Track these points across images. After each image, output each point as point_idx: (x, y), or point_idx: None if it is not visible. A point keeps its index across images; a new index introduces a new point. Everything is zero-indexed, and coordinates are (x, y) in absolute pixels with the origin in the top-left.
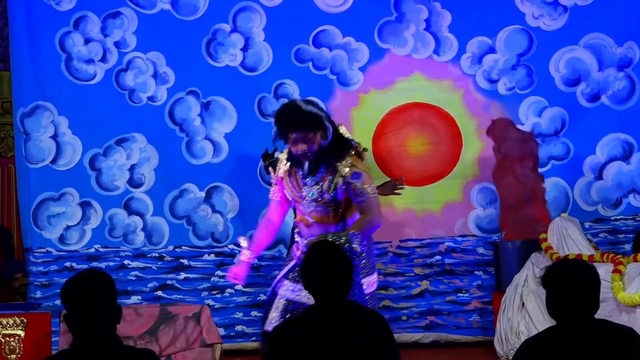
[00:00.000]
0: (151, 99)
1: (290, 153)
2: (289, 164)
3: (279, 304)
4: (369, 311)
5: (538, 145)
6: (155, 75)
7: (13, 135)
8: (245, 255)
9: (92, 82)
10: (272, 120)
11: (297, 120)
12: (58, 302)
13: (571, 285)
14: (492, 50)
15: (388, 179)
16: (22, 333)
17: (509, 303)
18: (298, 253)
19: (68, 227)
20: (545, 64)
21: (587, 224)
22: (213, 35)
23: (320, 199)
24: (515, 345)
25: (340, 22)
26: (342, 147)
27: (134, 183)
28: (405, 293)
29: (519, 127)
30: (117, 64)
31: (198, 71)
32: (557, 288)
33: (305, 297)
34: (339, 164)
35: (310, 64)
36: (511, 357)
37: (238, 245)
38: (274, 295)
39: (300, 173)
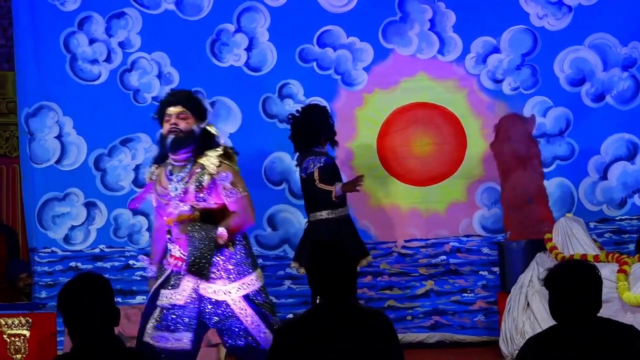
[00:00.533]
0: (156, 99)
1: (158, 153)
2: (154, 166)
3: (154, 313)
4: (373, 311)
5: (538, 144)
6: (159, 76)
7: (17, 135)
8: (153, 271)
9: (96, 83)
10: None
11: (177, 96)
12: None
13: (574, 286)
14: (496, 50)
15: (391, 178)
16: (27, 333)
17: (514, 303)
18: (172, 261)
19: (73, 227)
20: (550, 64)
21: (592, 224)
22: (217, 35)
23: (184, 196)
24: (520, 345)
25: (344, 22)
26: (209, 142)
27: (139, 183)
28: (410, 293)
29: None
30: (122, 64)
31: (202, 71)
32: (559, 289)
33: (175, 298)
34: (205, 162)
35: (314, 64)
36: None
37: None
38: (152, 307)
39: (168, 168)
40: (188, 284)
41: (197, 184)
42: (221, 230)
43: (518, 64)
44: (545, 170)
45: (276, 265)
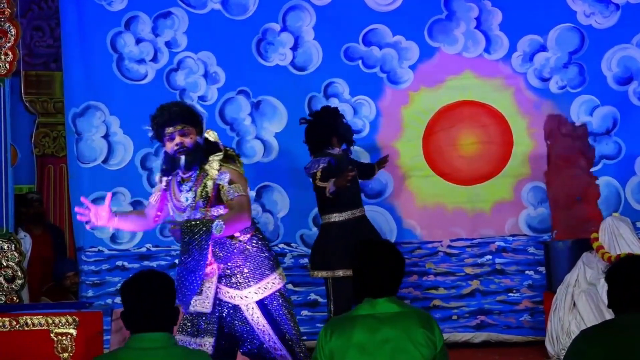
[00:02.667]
0: (202, 98)
1: (164, 163)
2: (164, 177)
3: (183, 320)
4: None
5: (590, 143)
6: (205, 75)
7: (65, 135)
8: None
9: (143, 82)
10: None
11: (172, 113)
12: (109, 300)
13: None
14: (543, 48)
15: (437, 177)
16: (74, 332)
17: (560, 303)
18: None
19: None
20: (597, 63)
21: (638, 224)
22: (263, 34)
23: (194, 204)
24: (567, 345)
25: (390, 20)
26: (211, 149)
27: None
28: (455, 293)
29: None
30: (168, 63)
31: (248, 71)
32: (620, 282)
33: (200, 306)
34: (207, 167)
35: (360, 62)
36: (562, 357)
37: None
38: None
39: (178, 179)
40: (210, 289)
41: (203, 190)
42: (218, 223)
43: (565, 63)
44: (592, 169)
45: None
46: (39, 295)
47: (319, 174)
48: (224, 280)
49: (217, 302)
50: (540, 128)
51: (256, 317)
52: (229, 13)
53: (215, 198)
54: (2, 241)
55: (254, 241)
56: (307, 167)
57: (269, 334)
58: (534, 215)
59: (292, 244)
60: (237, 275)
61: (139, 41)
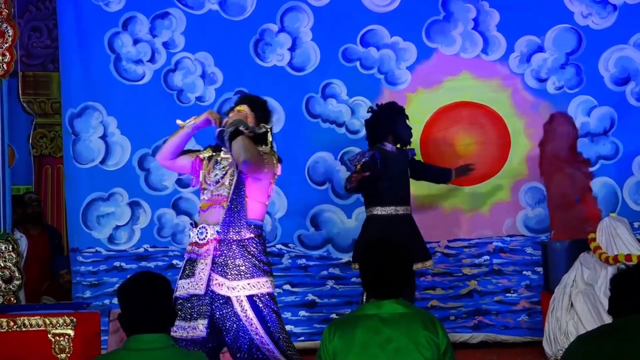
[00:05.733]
0: (199, 99)
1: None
2: (209, 148)
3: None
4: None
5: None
6: (203, 76)
7: (62, 135)
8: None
9: (140, 83)
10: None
11: (245, 97)
12: (107, 301)
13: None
14: (540, 49)
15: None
16: (71, 332)
17: (557, 303)
18: (189, 248)
19: (117, 227)
20: (595, 63)
21: (636, 224)
22: (261, 35)
23: (220, 180)
24: (564, 346)
25: (387, 21)
26: (260, 142)
27: (182, 183)
28: (453, 293)
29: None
30: (166, 64)
31: (246, 71)
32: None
33: (193, 288)
34: None
35: (357, 63)
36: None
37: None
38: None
39: (216, 159)
40: (203, 271)
41: (234, 172)
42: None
43: (562, 63)
44: (589, 169)
45: (319, 266)
46: (39, 296)
47: (359, 166)
48: (217, 268)
49: (210, 292)
50: (538, 128)
51: (246, 311)
52: (226, 14)
53: (244, 182)
54: (0, 242)
55: (256, 244)
56: (351, 158)
57: (257, 330)
58: (532, 215)
59: (289, 245)
60: (230, 266)
61: (136, 42)
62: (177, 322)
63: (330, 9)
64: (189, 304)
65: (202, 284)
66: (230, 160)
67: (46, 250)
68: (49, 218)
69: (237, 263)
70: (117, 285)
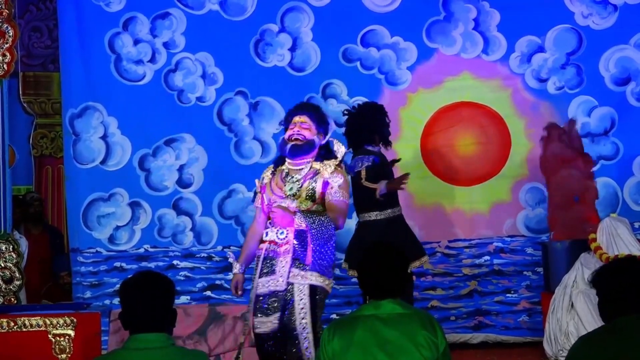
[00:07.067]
0: (200, 99)
1: (278, 149)
2: (271, 167)
3: (256, 304)
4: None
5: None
6: (204, 76)
7: (63, 135)
8: (237, 269)
9: (141, 83)
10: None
11: (306, 105)
12: (107, 301)
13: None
14: (541, 49)
15: (435, 178)
16: (72, 333)
17: (558, 303)
18: (265, 246)
19: (118, 227)
20: (595, 63)
21: (636, 224)
22: (261, 35)
23: (297, 194)
24: (565, 346)
25: (388, 21)
26: (327, 154)
27: (183, 183)
28: (453, 293)
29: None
30: (166, 64)
31: (246, 71)
32: (606, 289)
33: (274, 285)
34: (321, 167)
35: (358, 63)
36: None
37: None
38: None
39: (282, 174)
40: (284, 269)
41: (310, 185)
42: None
43: (563, 64)
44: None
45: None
46: (39, 298)
47: (363, 172)
48: (295, 262)
49: (288, 284)
50: (538, 129)
51: (304, 297)
52: (227, 14)
53: (321, 197)
54: (0, 242)
55: (331, 245)
56: (351, 165)
57: (305, 316)
58: (532, 216)
59: None
60: (310, 262)
61: (137, 42)
62: (258, 319)
63: (330, 9)
64: (270, 300)
65: (282, 280)
66: (304, 172)
67: (47, 251)
68: (49, 218)
69: (317, 261)
70: (119, 284)
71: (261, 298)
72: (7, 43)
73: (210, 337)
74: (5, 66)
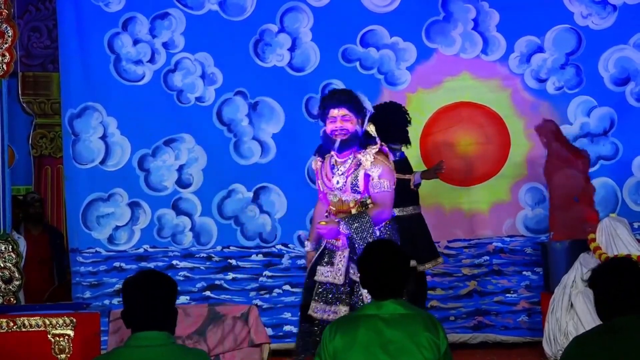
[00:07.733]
0: (199, 99)
1: (319, 146)
2: (318, 157)
3: (316, 289)
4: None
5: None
6: (203, 76)
7: (62, 136)
8: (309, 247)
9: (140, 83)
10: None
11: (341, 98)
12: (107, 302)
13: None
14: (540, 49)
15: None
16: (71, 333)
17: (557, 303)
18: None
19: (117, 228)
20: (594, 64)
21: (636, 224)
22: (260, 35)
23: (344, 187)
24: (564, 346)
25: (387, 21)
26: (368, 141)
27: (182, 183)
28: (453, 293)
29: (565, 127)
30: (166, 64)
31: (246, 72)
32: (603, 289)
33: (332, 277)
34: (362, 157)
35: (357, 63)
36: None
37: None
38: (312, 282)
39: (331, 162)
40: (341, 262)
41: (355, 177)
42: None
43: (562, 64)
44: (590, 170)
45: None
46: (41, 299)
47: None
48: (354, 258)
49: (349, 281)
50: None
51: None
52: (226, 14)
53: (366, 187)
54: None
55: (384, 227)
56: None
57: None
58: (531, 216)
59: (289, 245)
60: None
61: (136, 42)
62: (317, 304)
63: (330, 9)
64: (330, 290)
65: (340, 275)
66: (347, 164)
67: (47, 251)
68: (48, 219)
69: None
70: (122, 282)
71: (322, 285)
72: (6, 43)
73: (210, 337)
74: (4, 66)
